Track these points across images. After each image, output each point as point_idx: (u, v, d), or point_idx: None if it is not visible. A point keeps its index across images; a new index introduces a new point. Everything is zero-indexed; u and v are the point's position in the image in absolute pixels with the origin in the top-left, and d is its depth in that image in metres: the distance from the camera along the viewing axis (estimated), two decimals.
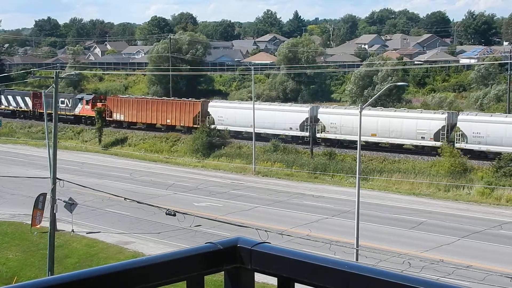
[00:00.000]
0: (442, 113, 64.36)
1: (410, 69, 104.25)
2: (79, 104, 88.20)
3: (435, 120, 62.77)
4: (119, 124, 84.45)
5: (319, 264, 2.17)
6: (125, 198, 43.27)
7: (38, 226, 44.58)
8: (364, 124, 61.70)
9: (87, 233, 44.86)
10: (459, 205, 51.98)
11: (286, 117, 70.26)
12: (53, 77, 39.45)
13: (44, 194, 43.31)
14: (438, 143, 61.69)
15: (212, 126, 73.08)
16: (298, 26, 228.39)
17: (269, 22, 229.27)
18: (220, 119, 74.99)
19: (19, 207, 50.70)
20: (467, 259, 37.85)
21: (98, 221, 47.69)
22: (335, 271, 2.13)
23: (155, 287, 2.22)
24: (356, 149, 40.02)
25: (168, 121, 79.76)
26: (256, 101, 73.44)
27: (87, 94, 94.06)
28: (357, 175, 37.54)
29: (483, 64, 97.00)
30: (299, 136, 70.19)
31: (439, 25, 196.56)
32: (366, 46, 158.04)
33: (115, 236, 44.12)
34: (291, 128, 69.40)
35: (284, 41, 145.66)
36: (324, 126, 69.08)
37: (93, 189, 44.59)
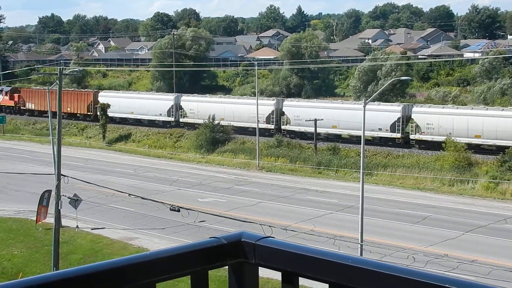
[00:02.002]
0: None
1: (414, 64, 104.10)
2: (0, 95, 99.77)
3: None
4: (31, 112, 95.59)
5: (323, 258, 2.17)
6: (129, 194, 43.36)
7: (41, 222, 44.63)
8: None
9: (91, 229, 44.92)
10: (463, 200, 51.92)
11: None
12: (57, 74, 39.46)
13: (49, 191, 43.35)
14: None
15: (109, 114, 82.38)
16: (301, 21, 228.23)
17: (272, 17, 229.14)
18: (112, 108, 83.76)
19: (24, 203, 50.78)
20: (471, 254, 37.84)
21: (103, 217, 47.75)
22: (339, 265, 2.13)
23: (160, 282, 2.23)
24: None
25: (69, 109, 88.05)
26: (260, 96, 73.70)
27: (6, 86, 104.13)
28: (361, 170, 37.51)
29: (487, 58, 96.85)
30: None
31: (443, 19, 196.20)
32: (370, 41, 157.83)
33: (119, 232, 44.19)
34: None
35: (287, 36, 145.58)
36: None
37: (97, 185, 44.64)
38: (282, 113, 72.63)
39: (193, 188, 56.60)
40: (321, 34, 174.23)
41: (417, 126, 63.94)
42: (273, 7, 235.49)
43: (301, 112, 70.49)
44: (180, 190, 55.65)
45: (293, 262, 2.24)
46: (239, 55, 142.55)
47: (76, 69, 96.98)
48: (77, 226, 44.87)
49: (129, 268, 2.17)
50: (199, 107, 77.88)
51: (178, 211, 42.35)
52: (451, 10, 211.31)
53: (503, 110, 62.36)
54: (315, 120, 66.10)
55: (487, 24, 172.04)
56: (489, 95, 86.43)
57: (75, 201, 43.25)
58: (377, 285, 2.05)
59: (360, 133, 62.38)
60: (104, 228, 45.18)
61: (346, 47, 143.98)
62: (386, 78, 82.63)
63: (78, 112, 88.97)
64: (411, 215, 46.73)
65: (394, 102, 72.36)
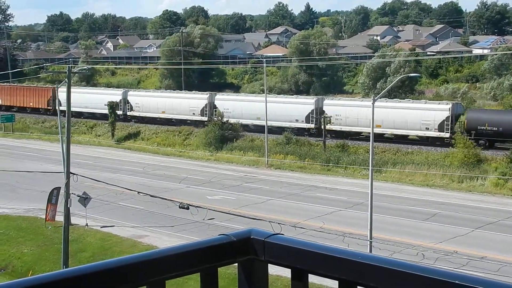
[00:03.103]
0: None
1: (423, 60, 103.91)
2: None
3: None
4: None
5: (332, 255, 2.17)
6: (138, 192, 43.40)
7: (50, 220, 44.74)
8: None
9: (101, 227, 45.03)
10: (473, 196, 51.79)
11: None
12: (65, 72, 39.56)
13: (58, 189, 43.46)
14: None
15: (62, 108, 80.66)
16: (309, 18, 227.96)
17: (280, 14, 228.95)
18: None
19: (34, 202, 50.93)
20: (481, 250, 37.76)
21: (112, 215, 47.86)
22: (348, 262, 2.13)
23: (169, 279, 2.23)
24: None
25: (31, 103, 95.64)
26: (269, 93, 73.76)
27: None
28: (370, 167, 37.48)
29: (496, 54, 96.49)
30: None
31: (451, 15, 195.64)
32: (378, 38, 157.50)
33: (129, 230, 44.27)
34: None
35: (295, 33, 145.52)
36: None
37: (106, 183, 44.74)
38: (215, 107, 77.48)
39: (202, 185, 56.64)
40: (330, 31, 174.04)
41: (328, 118, 68.50)
42: (281, 4, 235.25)
43: (231, 105, 76.58)
44: (189, 188, 55.70)
45: (303, 259, 2.24)
46: (247, 52, 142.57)
47: (85, 68, 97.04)
48: (87, 224, 44.98)
49: (138, 265, 2.18)
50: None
51: (187, 208, 42.36)
52: (459, 7, 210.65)
53: (399, 102, 68.82)
54: (327, 117, 67.08)
55: (496, 20, 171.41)
56: (499, 91, 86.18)
57: (84, 199, 43.33)
58: (387, 282, 2.05)
59: (279, 123, 71.78)
60: (113, 226, 45.28)
61: (354, 44, 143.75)
62: (395, 75, 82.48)
63: (40, 106, 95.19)
64: (420, 212, 46.64)
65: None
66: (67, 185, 36.36)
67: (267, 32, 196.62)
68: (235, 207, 47.23)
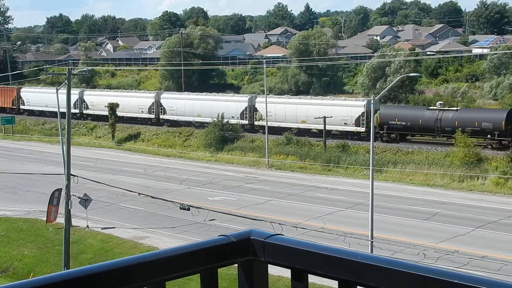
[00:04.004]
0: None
1: (423, 60, 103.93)
2: None
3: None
4: None
5: (332, 255, 2.17)
6: (139, 193, 43.42)
7: (52, 221, 44.75)
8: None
9: (102, 229, 45.02)
10: (473, 196, 51.77)
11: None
12: (65, 74, 39.57)
13: (59, 190, 43.46)
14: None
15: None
16: (309, 18, 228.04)
17: (280, 15, 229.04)
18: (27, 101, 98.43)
19: (34, 203, 50.96)
20: (482, 250, 37.75)
21: (113, 216, 47.86)
22: (348, 262, 2.13)
23: (170, 280, 2.23)
24: None
25: None
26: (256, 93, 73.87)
27: None
28: (370, 167, 37.48)
29: (495, 53, 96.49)
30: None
31: (451, 15, 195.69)
32: (378, 38, 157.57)
33: (129, 231, 44.28)
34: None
35: (295, 34, 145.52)
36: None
37: (107, 184, 44.74)
38: (160, 105, 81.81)
39: (203, 186, 56.65)
40: (329, 31, 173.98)
41: (260, 114, 74.10)
42: (281, 5, 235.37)
43: (175, 103, 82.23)
44: (190, 189, 55.71)
45: (303, 259, 2.24)
46: (247, 53, 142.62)
47: (85, 69, 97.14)
48: (88, 226, 44.99)
49: (139, 266, 2.18)
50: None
51: (188, 209, 42.39)
52: (459, 6, 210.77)
53: (322, 99, 74.87)
54: (325, 118, 66.95)
55: (496, 20, 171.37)
56: (499, 91, 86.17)
57: (85, 201, 43.35)
58: (387, 282, 2.05)
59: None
60: (114, 227, 45.28)
61: (354, 44, 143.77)
62: (394, 75, 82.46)
63: (5, 105, 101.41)
64: (421, 211, 46.64)
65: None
66: (68, 186, 36.36)
67: (267, 33, 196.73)
68: (236, 208, 47.24)
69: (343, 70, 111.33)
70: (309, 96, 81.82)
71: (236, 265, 2.38)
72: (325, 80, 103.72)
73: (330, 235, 38.21)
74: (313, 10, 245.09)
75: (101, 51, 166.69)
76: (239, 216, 41.14)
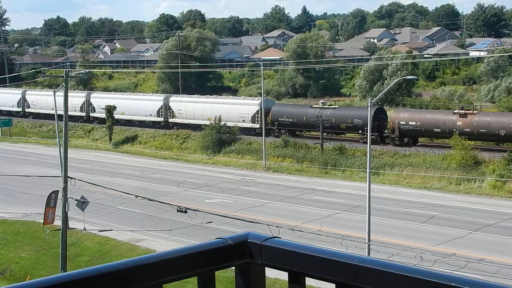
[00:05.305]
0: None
1: (420, 63, 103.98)
2: None
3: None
4: None
5: (329, 258, 2.17)
6: (136, 196, 43.34)
7: (49, 223, 44.67)
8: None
9: (99, 231, 44.98)
10: (470, 199, 51.79)
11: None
12: (63, 76, 39.52)
13: (56, 192, 43.40)
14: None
15: None
16: (306, 21, 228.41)
17: (277, 17, 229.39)
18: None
19: (31, 206, 50.90)
20: (479, 252, 37.75)
21: (110, 219, 47.83)
22: (346, 265, 2.13)
23: (167, 283, 2.23)
24: None
25: None
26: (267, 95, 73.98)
27: None
28: (367, 170, 37.48)
29: (492, 56, 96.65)
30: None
31: (448, 18, 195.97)
32: (375, 40, 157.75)
33: (126, 234, 44.24)
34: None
35: (292, 36, 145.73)
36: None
37: (104, 187, 44.66)
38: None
39: (200, 189, 56.64)
40: (327, 34, 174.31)
41: (172, 112, 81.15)
42: (278, 8, 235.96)
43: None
44: (187, 191, 55.69)
45: (300, 262, 2.24)
46: (244, 55, 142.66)
47: (82, 71, 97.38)
48: (85, 228, 44.93)
49: (136, 269, 2.18)
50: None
51: (185, 212, 42.33)
52: (456, 9, 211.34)
53: (224, 98, 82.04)
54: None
55: (493, 23, 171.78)
56: (496, 94, 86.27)
57: (82, 203, 43.32)
58: (384, 285, 2.05)
59: (137, 117, 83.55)
60: (111, 230, 45.24)
61: (351, 47, 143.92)
62: (392, 78, 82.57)
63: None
64: (418, 214, 46.65)
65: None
66: (65, 189, 36.32)
67: (264, 35, 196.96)
68: (233, 211, 47.21)
69: (340, 73, 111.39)
70: (214, 95, 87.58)
71: (233, 268, 2.38)
72: (322, 82, 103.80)
73: (327, 237, 38.21)
74: (310, 13, 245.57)
75: (99, 53, 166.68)
76: (236, 219, 41.09)
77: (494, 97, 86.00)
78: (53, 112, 79.71)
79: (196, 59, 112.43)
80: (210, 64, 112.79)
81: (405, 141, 65.05)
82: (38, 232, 45.48)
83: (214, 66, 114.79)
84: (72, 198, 40.17)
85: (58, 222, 41.02)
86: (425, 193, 53.71)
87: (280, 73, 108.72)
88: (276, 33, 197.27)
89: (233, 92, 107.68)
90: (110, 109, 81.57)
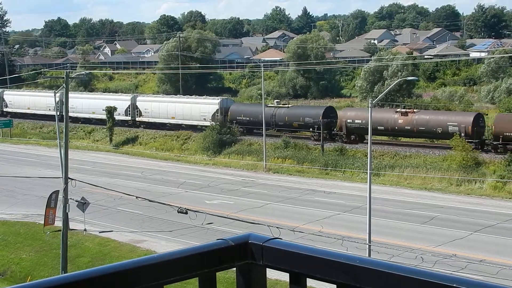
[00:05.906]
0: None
1: (420, 64, 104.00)
2: None
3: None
4: None
5: (331, 259, 2.17)
6: (136, 197, 43.36)
7: (50, 224, 44.66)
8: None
9: (99, 232, 44.98)
10: (471, 199, 51.76)
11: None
12: (63, 77, 39.56)
13: (57, 192, 43.42)
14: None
15: None
16: (307, 22, 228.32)
17: (278, 19, 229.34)
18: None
19: (32, 207, 50.89)
20: (480, 253, 37.74)
21: (110, 220, 47.80)
22: (347, 266, 2.13)
23: (168, 284, 2.23)
24: None
25: None
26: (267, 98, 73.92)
27: None
28: (368, 171, 37.47)
29: (493, 57, 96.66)
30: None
31: (448, 19, 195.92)
32: (376, 41, 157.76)
33: (127, 235, 44.23)
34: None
35: (293, 37, 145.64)
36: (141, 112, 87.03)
37: (105, 188, 44.69)
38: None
39: (201, 190, 56.63)
40: (327, 35, 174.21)
41: (139, 111, 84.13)
42: (278, 9, 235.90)
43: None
44: (188, 192, 55.68)
45: (301, 263, 2.24)
46: (245, 57, 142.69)
47: (83, 73, 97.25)
48: (85, 229, 44.92)
49: (137, 270, 2.18)
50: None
51: (186, 213, 42.34)
52: (456, 10, 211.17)
53: (187, 98, 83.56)
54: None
55: (493, 24, 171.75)
56: (496, 95, 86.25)
57: (82, 204, 43.30)
58: (385, 286, 2.05)
59: (105, 116, 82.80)
60: (112, 231, 45.22)
61: (352, 48, 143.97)
62: (392, 78, 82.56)
63: None
64: (418, 215, 46.63)
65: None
66: (65, 190, 36.34)
67: (265, 37, 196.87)
68: (234, 212, 47.21)
69: (341, 74, 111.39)
70: (178, 95, 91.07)
71: (234, 269, 2.38)
72: (322, 83, 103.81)
73: (328, 238, 38.19)
74: (310, 14, 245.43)
75: (99, 54, 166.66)
76: (237, 220, 41.08)
77: (495, 98, 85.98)
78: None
79: (197, 60, 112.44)
80: (211, 65, 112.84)
81: (352, 139, 68.05)
82: (38, 233, 45.47)
83: (214, 67, 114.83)
84: (73, 199, 40.17)
85: (58, 223, 41.05)
86: (425, 194, 53.69)
87: (280, 74, 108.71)
88: (276, 34, 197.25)
89: (234, 93, 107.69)
90: (110, 110, 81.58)
